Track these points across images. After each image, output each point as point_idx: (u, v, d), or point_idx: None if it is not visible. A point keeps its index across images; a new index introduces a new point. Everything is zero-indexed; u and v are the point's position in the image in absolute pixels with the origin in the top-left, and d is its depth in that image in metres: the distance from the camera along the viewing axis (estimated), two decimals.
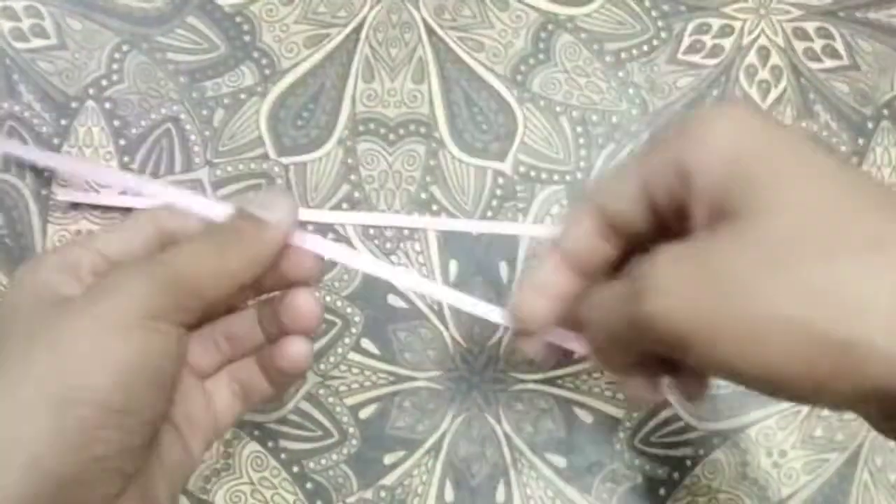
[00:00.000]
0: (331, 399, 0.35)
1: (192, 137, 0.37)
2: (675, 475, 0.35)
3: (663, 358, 0.23)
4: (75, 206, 0.36)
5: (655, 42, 0.38)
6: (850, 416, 0.35)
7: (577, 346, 0.28)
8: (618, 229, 0.26)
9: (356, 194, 0.37)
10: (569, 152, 0.37)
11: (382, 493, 0.35)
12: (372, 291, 0.36)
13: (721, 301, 0.21)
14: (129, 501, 0.25)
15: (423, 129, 0.37)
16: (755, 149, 0.22)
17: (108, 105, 0.37)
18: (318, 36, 0.38)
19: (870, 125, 0.37)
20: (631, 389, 0.26)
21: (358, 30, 0.38)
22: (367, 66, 0.37)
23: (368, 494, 0.35)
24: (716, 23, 0.38)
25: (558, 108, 0.37)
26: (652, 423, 0.35)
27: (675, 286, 0.22)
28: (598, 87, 0.38)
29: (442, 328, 0.36)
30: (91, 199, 0.36)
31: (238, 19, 0.38)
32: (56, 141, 0.37)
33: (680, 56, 0.38)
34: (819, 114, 0.37)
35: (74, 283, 0.26)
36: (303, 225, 0.36)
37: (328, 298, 0.36)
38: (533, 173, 0.37)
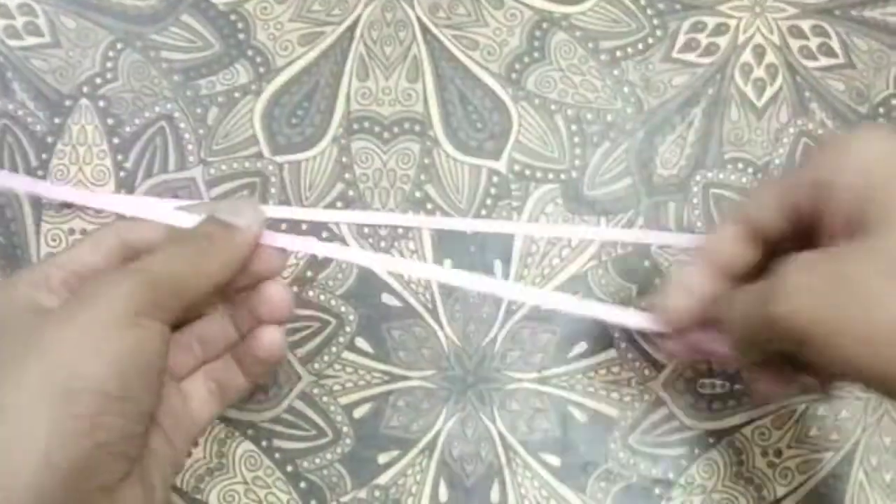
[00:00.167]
0: (325, 398, 0.35)
1: (187, 136, 0.37)
2: (670, 474, 0.35)
3: (793, 358, 0.26)
4: (69, 204, 0.36)
5: (650, 40, 0.38)
6: (845, 415, 0.35)
7: (717, 346, 0.29)
8: (759, 236, 0.29)
9: (350, 193, 0.37)
10: (563, 151, 0.37)
11: (377, 493, 0.35)
12: (366, 290, 0.36)
13: (845, 304, 0.24)
14: (131, 486, 0.26)
15: (417, 128, 0.37)
16: (892, 170, 0.25)
17: (101, 103, 0.37)
18: (312, 34, 0.38)
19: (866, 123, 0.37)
20: (762, 385, 0.29)
21: (352, 28, 0.38)
22: (362, 65, 0.37)
23: (363, 494, 0.35)
24: (711, 21, 0.38)
25: (553, 107, 0.37)
26: (647, 423, 0.35)
27: (803, 290, 0.24)
28: (592, 85, 0.37)
29: (436, 327, 0.36)
30: (84, 198, 0.36)
31: (232, 17, 0.38)
32: (50, 139, 0.37)
33: (675, 54, 0.38)
34: (814, 112, 0.37)
35: (50, 296, 0.28)
36: (296, 224, 0.36)
37: (322, 297, 0.36)
38: (527, 172, 0.37)
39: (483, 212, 0.36)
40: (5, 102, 0.37)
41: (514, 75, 0.37)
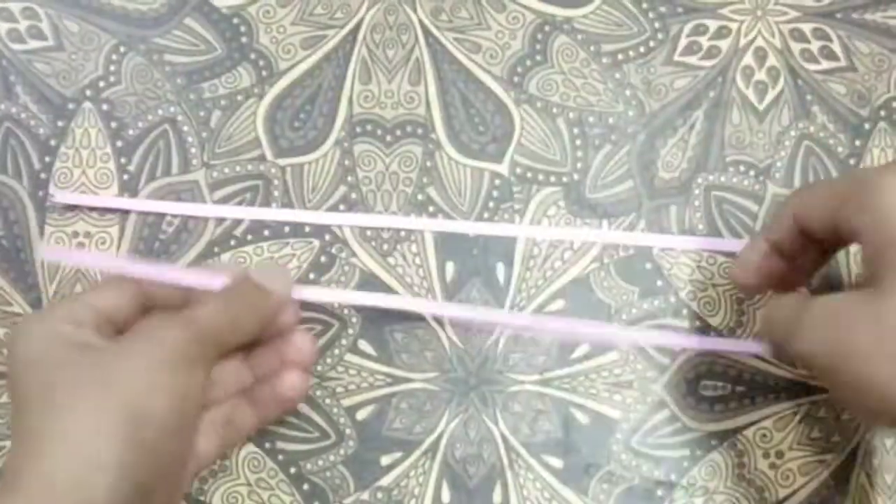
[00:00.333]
0: (328, 400, 0.35)
1: (190, 139, 0.37)
2: (673, 476, 0.35)
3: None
4: (72, 207, 0.36)
5: (652, 43, 0.38)
6: (846, 417, 0.35)
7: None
8: (807, 233, 0.31)
9: (353, 196, 0.37)
10: (565, 154, 0.37)
11: (379, 495, 0.35)
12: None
13: (846, 356, 0.26)
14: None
15: (419, 131, 0.37)
16: None
17: (105, 106, 0.37)
18: (315, 37, 0.38)
19: (867, 126, 0.37)
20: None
21: (355, 31, 0.38)
22: (364, 68, 0.37)
23: (365, 496, 0.35)
24: (712, 24, 0.38)
25: (555, 110, 0.37)
26: (649, 424, 0.35)
27: (817, 338, 0.27)
28: (594, 88, 0.38)
29: (439, 329, 0.36)
30: (88, 201, 0.36)
31: (235, 21, 0.38)
32: (53, 142, 0.37)
33: (676, 57, 0.38)
34: (816, 115, 0.37)
35: (85, 332, 0.29)
36: (299, 226, 0.36)
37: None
38: (529, 175, 0.37)
39: (485, 214, 0.37)
40: (9, 106, 0.37)
41: (516, 78, 0.37)
